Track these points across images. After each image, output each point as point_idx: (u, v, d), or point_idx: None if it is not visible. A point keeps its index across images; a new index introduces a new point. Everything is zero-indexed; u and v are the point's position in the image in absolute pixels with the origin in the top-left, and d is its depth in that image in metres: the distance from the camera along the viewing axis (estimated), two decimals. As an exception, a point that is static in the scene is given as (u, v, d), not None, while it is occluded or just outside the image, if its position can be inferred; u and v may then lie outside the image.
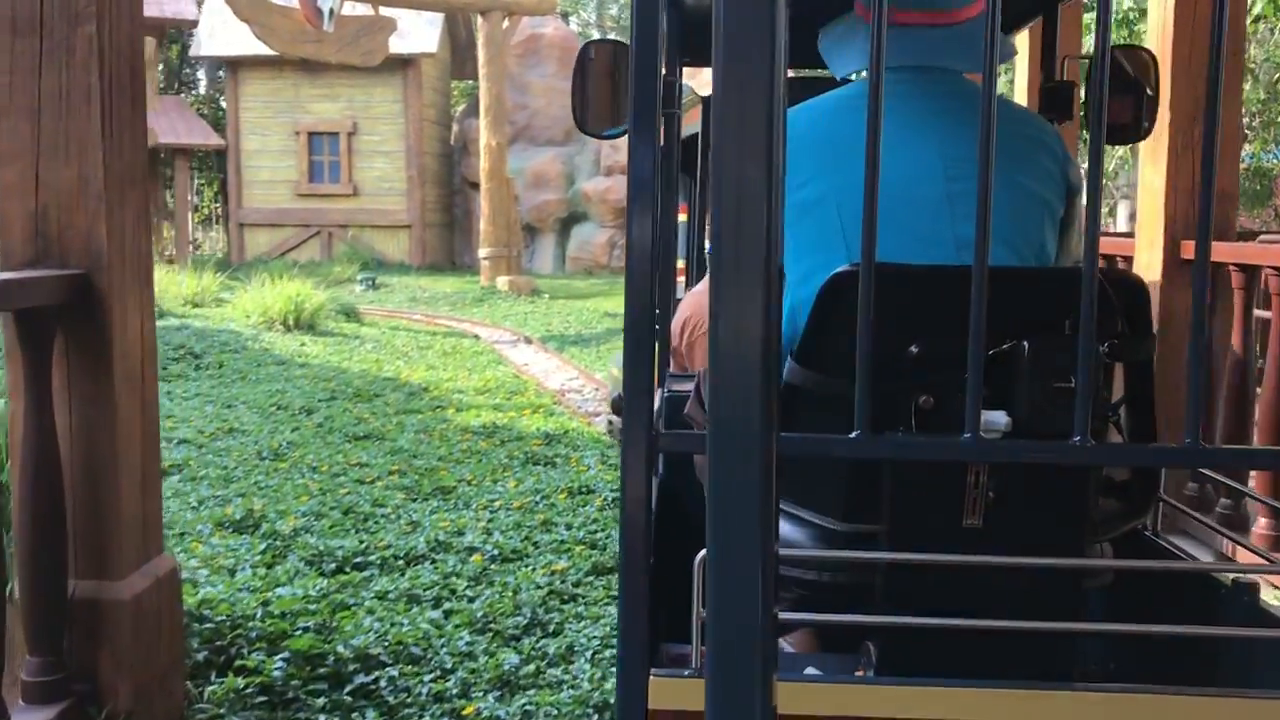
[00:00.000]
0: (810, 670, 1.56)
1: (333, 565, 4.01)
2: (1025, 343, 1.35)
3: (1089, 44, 3.72)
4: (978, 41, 1.22)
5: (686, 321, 3.05)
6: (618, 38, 2.64)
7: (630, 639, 1.18)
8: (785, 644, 1.71)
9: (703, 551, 1.01)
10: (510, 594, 3.72)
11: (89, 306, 2.56)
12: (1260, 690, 1.34)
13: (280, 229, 23.09)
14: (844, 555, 1.53)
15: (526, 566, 4.03)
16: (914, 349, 1.41)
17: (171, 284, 12.49)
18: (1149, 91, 2.22)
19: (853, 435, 1.17)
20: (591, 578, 3.93)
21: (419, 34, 22.32)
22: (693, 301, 3.22)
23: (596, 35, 37.67)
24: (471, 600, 3.70)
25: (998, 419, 1.32)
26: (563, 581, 3.86)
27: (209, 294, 12.50)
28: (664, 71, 1.34)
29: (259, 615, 3.28)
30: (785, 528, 1.63)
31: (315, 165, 22.97)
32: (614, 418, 7.49)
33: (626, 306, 1.12)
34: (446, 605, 3.65)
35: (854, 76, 1.93)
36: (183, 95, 27.07)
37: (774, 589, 0.75)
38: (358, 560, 4.06)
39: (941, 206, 1.67)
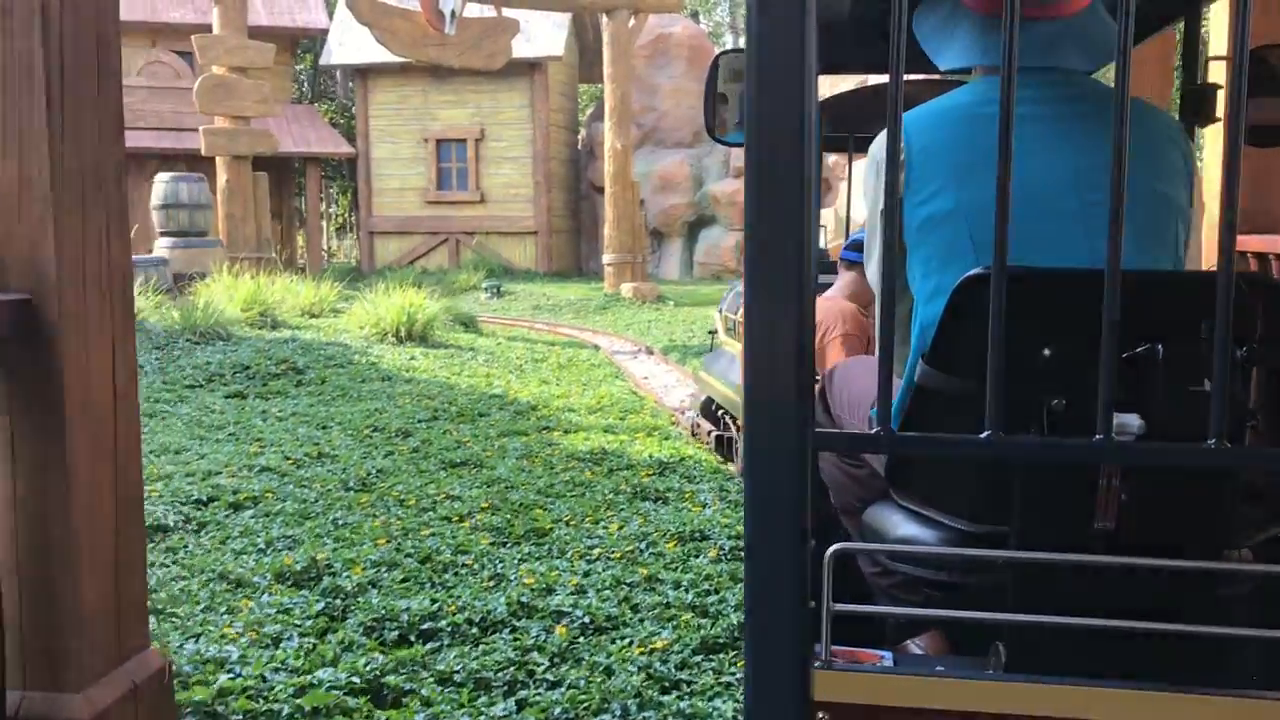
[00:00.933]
0: (939, 669, 1.48)
1: (395, 633, 3.40)
2: (1159, 346, 1.36)
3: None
4: (1092, 35, 1.41)
5: (816, 326, 2.87)
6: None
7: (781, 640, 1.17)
8: (914, 646, 1.67)
9: (835, 546, 1.22)
10: (599, 679, 3.06)
11: (34, 341, 1.98)
12: None
13: (409, 236, 23.04)
14: (962, 553, 1.55)
15: (622, 639, 3.36)
16: (1046, 351, 1.41)
17: (289, 294, 12.27)
18: None
19: (984, 436, 1.14)
20: (699, 658, 3.23)
21: (545, 37, 21.99)
22: (821, 305, 3.23)
23: (729, 36, 37.03)
24: (552, 686, 3.05)
25: (1131, 422, 1.31)
26: (664, 662, 3.18)
27: (326, 304, 12.22)
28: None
29: (285, 713, 2.68)
30: (913, 528, 1.66)
31: (443, 172, 22.84)
32: (700, 419, 6.83)
33: (747, 322, 1.12)
34: (521, 693, 3.00)
35: (973, 73, 1.87)
36: (316, 105, 27.41)
37: (807, 581, 1.07)
38: (425, 626, 3.45)
39: (1075, 220, 1.65)
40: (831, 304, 4.01)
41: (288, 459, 5.98)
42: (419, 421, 7.13)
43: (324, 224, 31.01)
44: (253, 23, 22.59)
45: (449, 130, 22.59)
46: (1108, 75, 1.42)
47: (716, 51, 2.79)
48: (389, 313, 10.36)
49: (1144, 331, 1.35)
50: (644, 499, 5.26)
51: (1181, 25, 2.33)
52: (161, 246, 13.14)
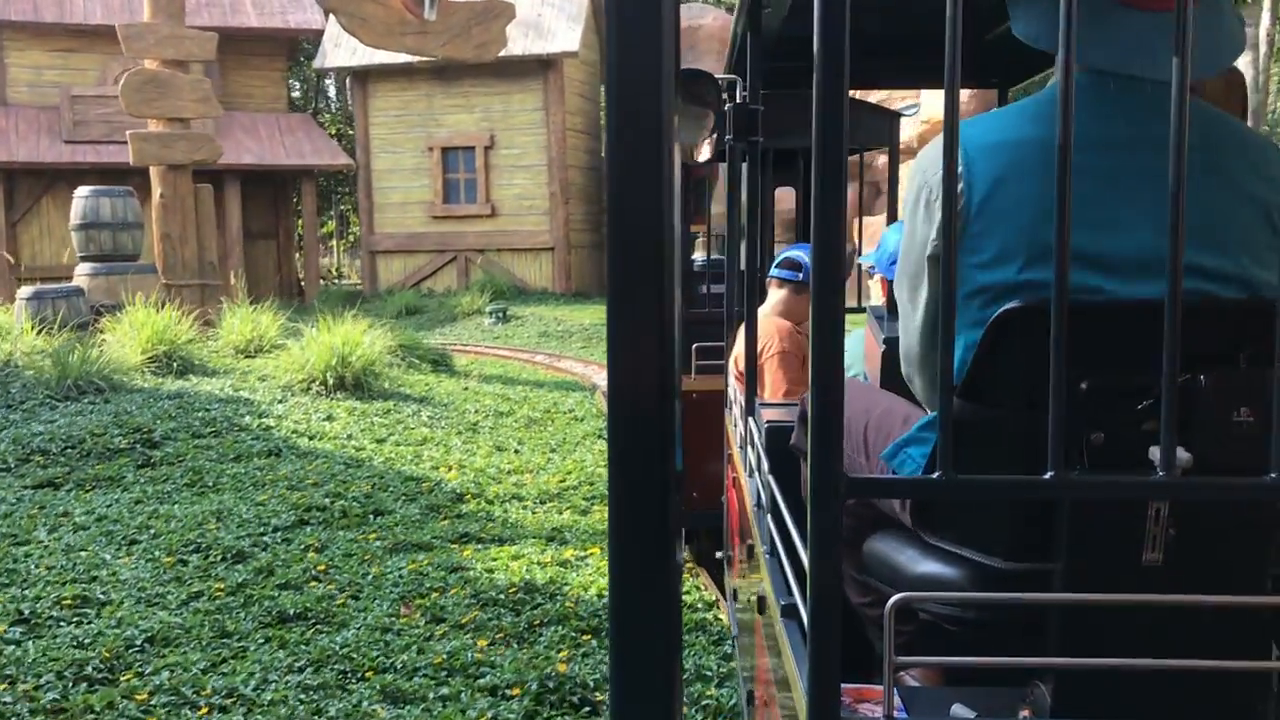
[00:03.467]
0: (957, 708, 1.41)
1: None
2: (1201, 376, 1.32)
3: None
4: (1206, 33, 1.26)
5: (765, 342, 3.20)
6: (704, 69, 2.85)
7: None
8: (910, 679, 1.65)
9: (896, 596, 1.15)
10: None
11: None
12: None
13: (414, 255, 20.95)
14: (986, 597, 1.52)
15: None
16: (1084, 385, 1.34)
17: (227, 330, 10.13)
18: None
19: (1048, 476, 1.06)
20: None
21: (560, 32, 19.83)
22: (759, 326, 3.06)
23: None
24: None
25: (1180, 455, 1.18)
26: None
27: (267, 340, 10.06)
28: (748, 100, 1.53)
29: None
30: (934, 565, 1.60)
31: (450, 184, 20.72)
32: None
33: (813, 341, 0.99)
34: None
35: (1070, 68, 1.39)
36: (319, 116, 25.50)
37: (679, 630, 0.99)
38: None
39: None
40: (766, 322, 3.85)
41: (28, 615, 3.80)
42: (274, 530, 4.90)
43: (335, 244, 29.09)
44: (239, 23, 20.68)
45: (455, 137, 20.48)
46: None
47: None
48: (316, 355, 8.16)
49: (1186, 361, 1.21)
50: (572, 707, 3.01)
51: None
52: (80, 273, 11.09)
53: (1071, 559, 1.37)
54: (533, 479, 6.09)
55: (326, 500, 5.36)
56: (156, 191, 11.47)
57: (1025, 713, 1.41)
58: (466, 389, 9.09)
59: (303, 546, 4.70)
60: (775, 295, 4.03)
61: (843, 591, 1.30)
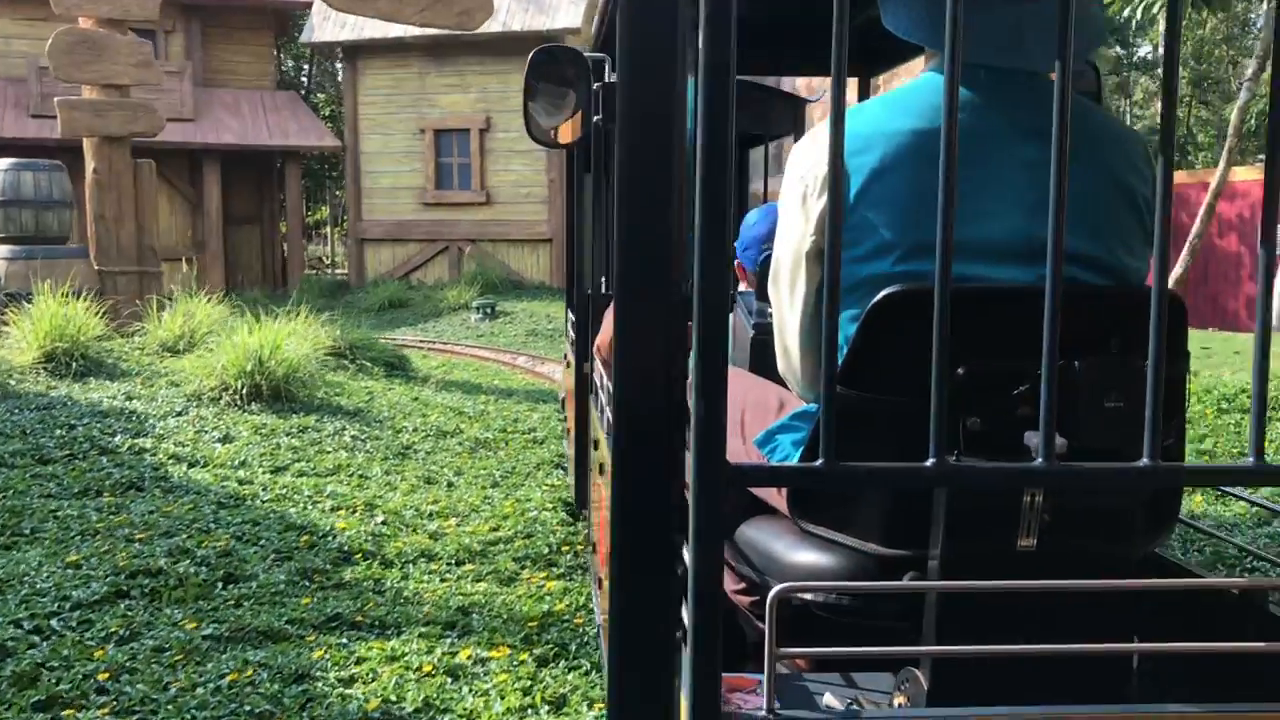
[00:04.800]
0: (828, 697, 1.40)
1: None
2: (1075, 363, 1.33)
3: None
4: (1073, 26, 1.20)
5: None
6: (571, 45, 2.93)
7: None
8: (783, 667, 1.54)
9: (779, 587, 1.16)
10: None
11: None
12: None
13: (404, 244, 19.69)
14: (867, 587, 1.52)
15: None
16: (961, 371, 1.36)
17: (155, 324, 8.87)
18: None
19: (929, 463, 1.06)
20: None
21: (562, 6, 18.53)
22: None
23: None
24: None
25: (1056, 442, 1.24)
26: None
27: (200, 336, 8.79)
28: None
29: None
30: (813, 554, 1.60)
31: (443, 169, 19.44)
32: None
33: (697, 329, 0.99)
34: None
35: (924, 59, 1.76)
36: (310, 94, 24.26)
37: (677, 609, 1.02)
38: None
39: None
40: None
41: None
42: (72, 608, 3.63)
43: (330, 231, 27.86)
44: (224, -4, 19.52)
45: (449, 119, 19.19)
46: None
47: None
48: (228, 359, 6.88)
49: (1060, 348, 1.26)
50: None
51: None
52: (0, 255, 9.86)
53: (947, 545, 1.38)
54: (456, 527, 4.80)
55: (166, 560, 4.08)
56: (89, 166, 10.22)
57: (900, 700, 1.39)
58: (416, 399, 7.79)
59: (102, 634, 3.43)
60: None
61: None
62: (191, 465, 5.48)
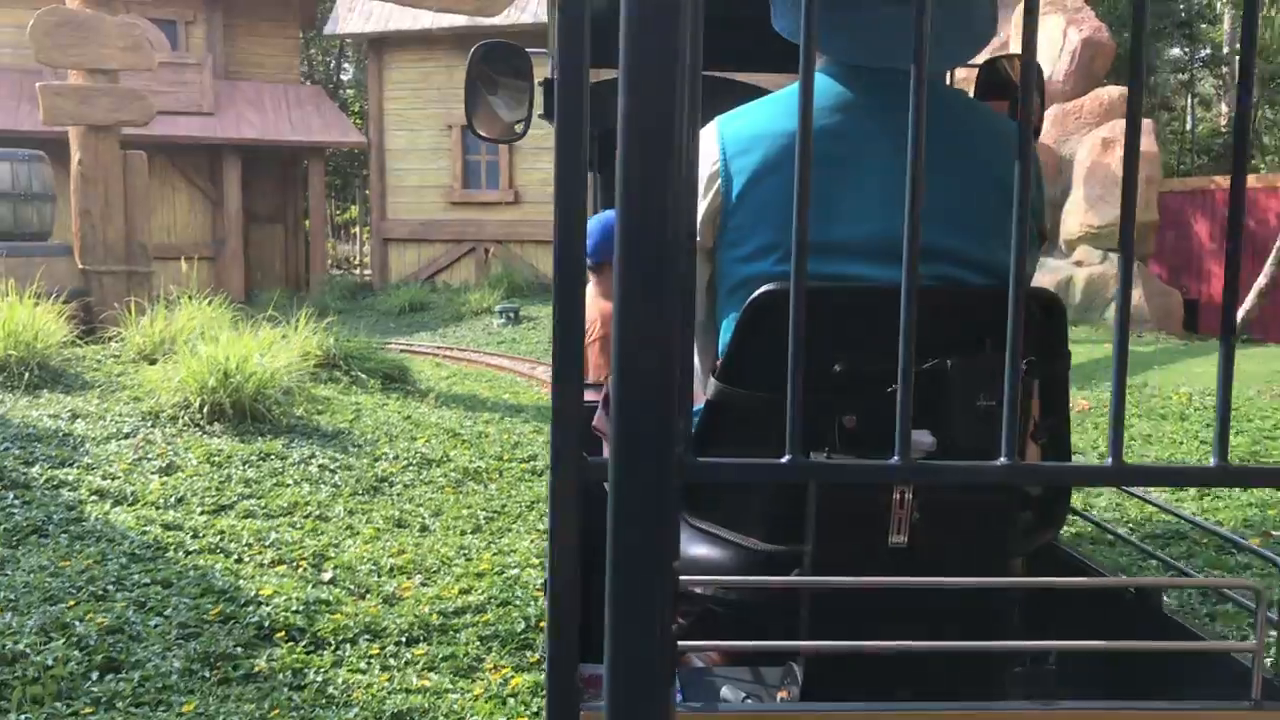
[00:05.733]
0: (726, 690, 1.44)
1: None
2: (949, 361, 1.36)
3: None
4: (953, 28, 1.33)
5: (594, 324, 3.04)
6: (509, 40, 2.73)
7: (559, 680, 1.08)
8: (696, 660, 1.61)
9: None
10: None
11: None
12: (1190, 701, 1.42)
13: (429, 245, 18.89)
14: (753, 581, 1.53)
15: None
16: (838, 367, 1.38)
17: (133, 330, 8.08)
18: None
19: (784, 460, 1.04)
20: None
21: (596, -2, 17.65)
22: (592, 304, 3.15)
23: None
24: None
25: (923, 438, 1.31)
26: None
27: (181, 343, 7.96)
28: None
29: None
30: (703, 548, 1.59)
31: (470, 167, 18.64)
32: None
33: (555, 316, 0.98)
34: None
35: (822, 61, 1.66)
36: (339, 89, 23.56)
37: (673, 612, 0.92)
38: None
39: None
40: (591, 305, 3.48)
41: None
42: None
43: (359, 230, 27.18)
44: (248, -15, 18.82)
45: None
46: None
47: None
48: (187, 374, 6.04)
49: (933, 347, 1.34)
50: None
51: None
52: (-28, 254, 9.14)
53: (820, 541, 1.41)
54: (418, 589, 3.92)
55: (33, 640, 3.22)
56: (74, 158, 9.46)
57: (783, 694, 1.41)
58: (409, 418, 6.92)
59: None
60: (594, 277, 3.72)
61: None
62: (117, 503, 4.64)
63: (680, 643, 1.13)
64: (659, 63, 0.86)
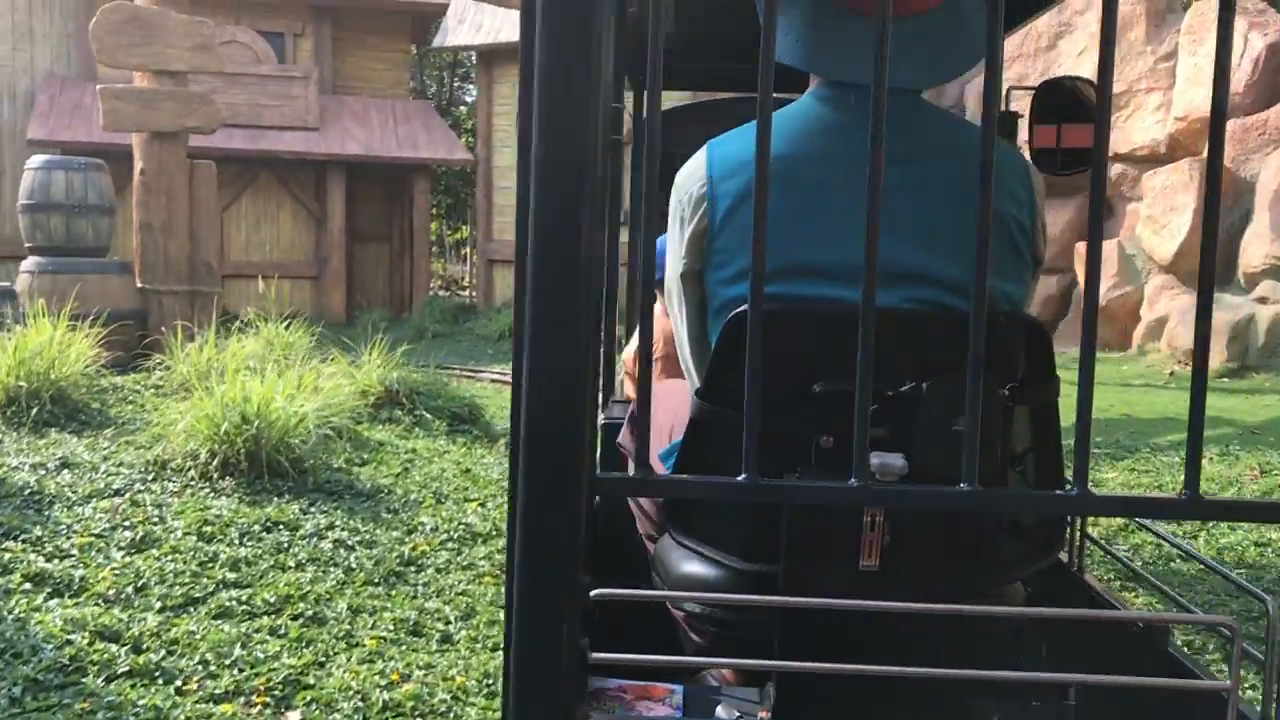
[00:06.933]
0: (720, 711, 1.44)
1: None
2: (922, 385, 1.36)
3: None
4: (942, 43, 1.32)
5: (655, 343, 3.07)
6: None
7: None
8: (710, 678, 1.65)
9: (596, 591, 1.14)
10: None
11: None
12: None
13: (535, 266, 17.95)
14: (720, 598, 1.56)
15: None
16: (816, 388, 1.39)
17: (180, 358, 7.19)
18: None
19: (741, 478, 1.11)
20: None
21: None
22: (659, 322, 3.09)
23: None
24: None
25: (894, 462, 1.31)
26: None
27: (231, 371, 7.04)
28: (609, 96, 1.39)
29: None
30: (693, 565, 1.60)
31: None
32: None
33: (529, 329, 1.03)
34: None
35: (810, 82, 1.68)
36: (452, 106, 22.88)
37: (582, 627, 1.00)
38: None
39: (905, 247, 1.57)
40: (659, 322, 3.36)
41: None
42: None
43: (469, 251, 26.52)
44: (356, -3, 18.24)
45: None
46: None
47: None
48: (197, 420, 5.05)
49: (912, 369, 1.35)
50: None
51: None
52: (24, 269, 8.41)
53: (792, 562, 1.41)
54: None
55: None
56: (136, 167, 8.70)
57: (763, 714, 1.41)
58: (467, 472, 5.83)
59: None
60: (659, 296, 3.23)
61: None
62: (54, 594, 3.61)
63: (594, 655, 1.13)
64: (571, 98, 0.89)
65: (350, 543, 4.38)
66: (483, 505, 5.15)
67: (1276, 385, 10.01)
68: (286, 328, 9.33)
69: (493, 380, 11.80)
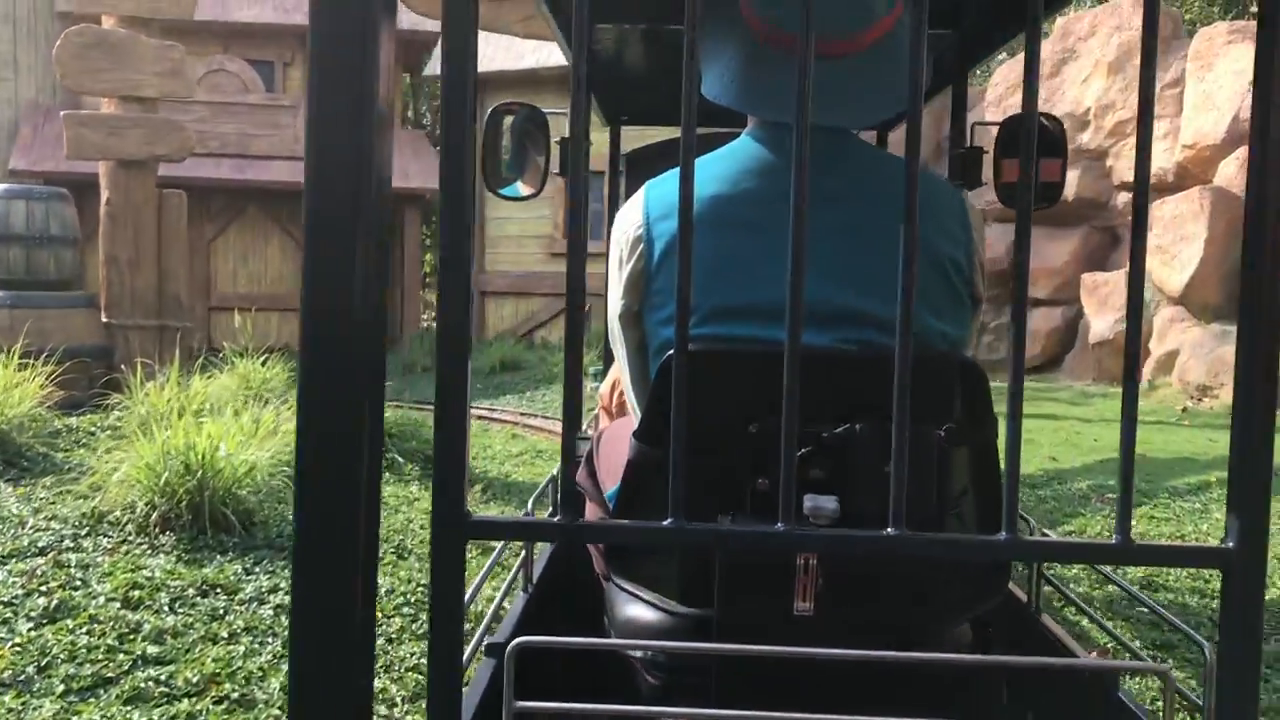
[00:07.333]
0: None
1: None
2: (856, 426, 1.36)
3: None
4: (883, 79, 1.31)
5: (617, 381, 2.93)
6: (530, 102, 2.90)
7: None
8: None
9: (516, 641, 1.12)
10: None
11: None
12: None
13: (528, 299, 17.62)
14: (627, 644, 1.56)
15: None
16: (752, 429, 1.37)
17: (138, 399, 6.78)
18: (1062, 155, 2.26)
19: (666, 523, 1.04)
20: None
21: (712, 35, 16.27)
22: None
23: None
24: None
25: (826, 504, 1.31)
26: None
27: (192, 410, 6.61)
28: (579, 133, 1.30)
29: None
30: (636, 609, 1.58)
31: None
32: None
33: (438, 365, 0.98)
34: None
35: (750, 123, 1.69)
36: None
37: (370, 668, 0.98)
38: None
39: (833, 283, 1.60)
40: None
41: None
42: None
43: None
44: (345, 24, 17.90)
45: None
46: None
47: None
48: (134, 470, 4.63)
49: (848, 410, 1.35)
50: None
51: (950, 92, 2.51)
52: (-18, 303, 8.03)
53: (726, 606, 1.40)
54: None
55: None
56: (103, 196, 8.33)
57: None
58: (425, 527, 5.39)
59: None
60: None
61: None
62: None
63: (518, 705, 1.12)
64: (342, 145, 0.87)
65: (256, 618, 3.95)
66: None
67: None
68: (263, 363, 8.96)
69: (479, 417, 11.38)
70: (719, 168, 1.57)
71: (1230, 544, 0.99)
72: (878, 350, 1.45)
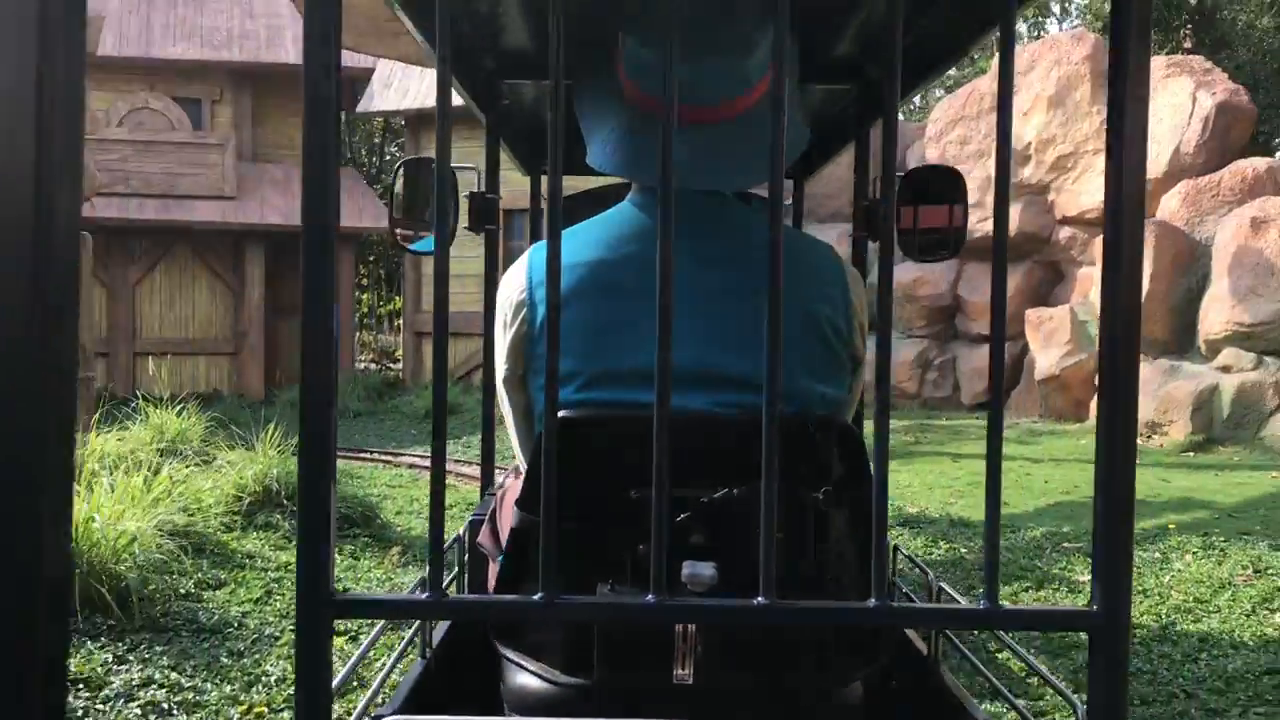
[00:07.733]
0: None
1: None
2: (734, 491, 1.36)
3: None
4: (760, 143, 1.21)
5: None
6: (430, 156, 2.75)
7: None
8: None
9: (390, 716, 1.21)
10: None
11: None
12: None
13: (466, 339, 17.11)
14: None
15: None
16: (633, 494, 1.37)
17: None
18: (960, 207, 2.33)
19: (537, 596, 1.03)
20: None
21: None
22: None
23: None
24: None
25: (703, 571, 1.30)
26: None
27: (86, 470, 6.13)
28: (486, 189, 1.46)
29: None
30: (523, 678, 1.56)
31: (514, 254, 16.90)
32: None
33: (301, 421, 0.95)
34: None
35: (628, 184, 1.73)
36: (384, 172, 22.20)
37: None
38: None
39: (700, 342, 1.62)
40: None
41: None
42: None
43: (402, 323, 25.72)
44: (275, 59, 17.20)
45: (521, 197, 16.70)
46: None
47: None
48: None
49: (728, 475, 1.34)
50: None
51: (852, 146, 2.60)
52: None
53: (608, 676, 1.38)
54: None
55: None
56: None
57: None
58: (345, 592, 4.95)
59: None
60: None
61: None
62: None
63: None
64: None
65: (167, 705, 3.50)
66: (353, 640, 4.29)
67: (1246, 459, 9.41)
68: (179, 413, 8.48)
69: (410, 465, 10.93)
70: (601, 233, 1.60)
71: (1095, 607, 1.01)
72: (757, 414, 1.40)
